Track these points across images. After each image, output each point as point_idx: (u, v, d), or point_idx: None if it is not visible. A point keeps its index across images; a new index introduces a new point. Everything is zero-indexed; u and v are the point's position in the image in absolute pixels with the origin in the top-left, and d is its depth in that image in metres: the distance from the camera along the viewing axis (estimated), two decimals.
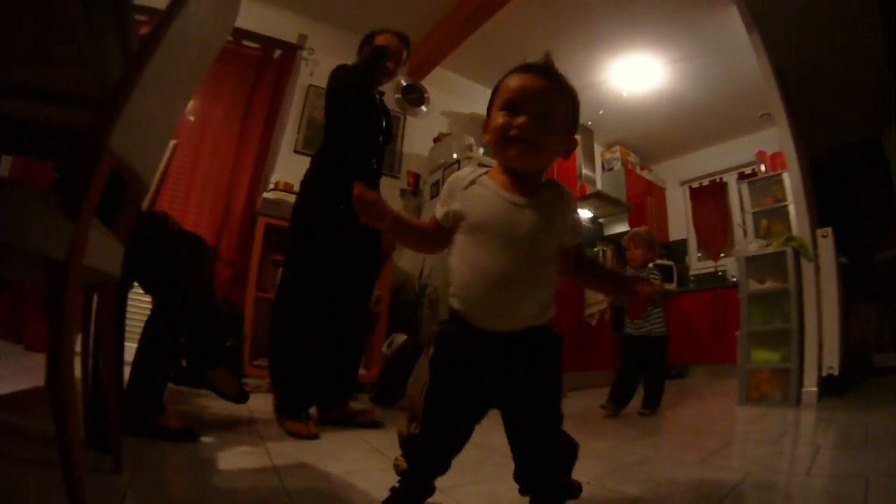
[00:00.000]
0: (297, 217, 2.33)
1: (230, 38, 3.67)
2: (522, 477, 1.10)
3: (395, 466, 1.12)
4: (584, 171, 5.79)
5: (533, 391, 1.03)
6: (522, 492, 1.11)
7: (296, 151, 3.98)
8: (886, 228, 5.48)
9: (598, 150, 6.36)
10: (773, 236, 4.26)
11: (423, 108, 4.56)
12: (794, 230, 3.94)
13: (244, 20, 3.51)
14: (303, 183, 2.37)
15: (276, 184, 3.54)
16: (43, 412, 1.75)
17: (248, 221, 3.48)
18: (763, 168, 5.00)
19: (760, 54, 3.79)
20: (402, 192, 4.42)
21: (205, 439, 1.69)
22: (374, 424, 2.23)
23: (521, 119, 0.99)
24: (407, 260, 4.23)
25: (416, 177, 4.53)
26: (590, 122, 5.81)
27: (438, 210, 1.08)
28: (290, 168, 3.80)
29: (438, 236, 1.09)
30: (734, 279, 5.24)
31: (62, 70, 1.07)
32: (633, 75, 4.96)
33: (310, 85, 4.13)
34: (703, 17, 4.10)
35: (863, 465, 1.66)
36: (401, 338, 3.30)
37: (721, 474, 1.61)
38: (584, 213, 5.76)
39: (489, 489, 1.37)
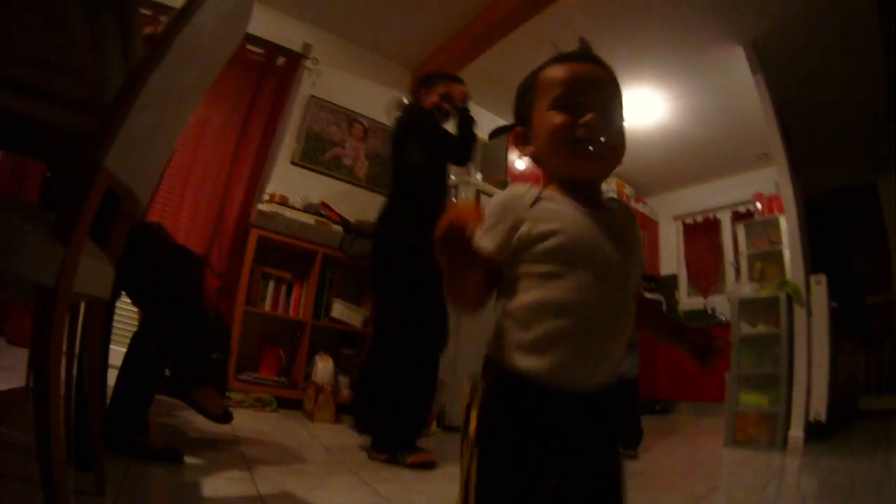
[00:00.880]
0: (398, 255, 2.46)
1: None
2: None
3: None
4: None
5: (607, 466, 0.80)
6: None
7: (293, 163, 3.96)
8: (877, 273, 5.55)
9: None
10: (766, 279, 4.33)
11: None
12: (788, 274, 3.99)
13: (249, 24, 3.50)
14: (392, 221, 2.57)
15: (272, 196, 3.53)
16: (22, 417, 1.76)
17: (241, 232, 3.46)
18: (759, 206, 5.07)
19: (764, 96, 3.89)
20: None
21: (189, 460, 1.68)
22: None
23: (589, 116, 0.79)
24: None
25: None
26: None
27: (487, 241, 0.79)
28: (286, 180, 3.81)
29: (490, 281, 0.83)
30: (723, 317, 5.29)
31: (62, 74, 1.07)
32: (635, 109, 5.03)
33: (311, 95, 4.10)
34: (709, 55, 4.19)
35: None
36: None
37: None
38: None
39: None
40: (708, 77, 4.49)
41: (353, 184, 4.15)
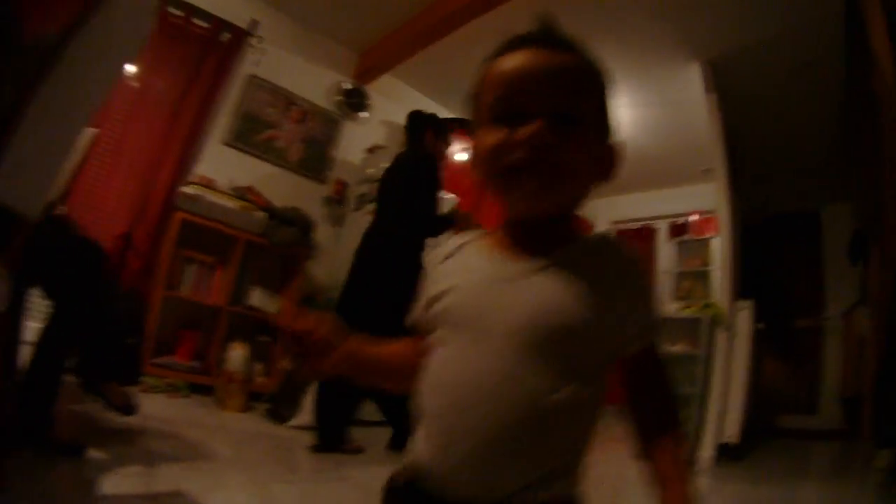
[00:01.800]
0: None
1: (180, 13, 3.74)
2: None
3: None
4: None
5: None
6: None
7: (225, 143, 4.00)
8: (810, 298, 6.01)
9: None
10: (692, 299, 4.48)
11: (364, 113, 4.57)
12: (717, 295, 4.13)
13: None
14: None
15: (199, 178, 3.62)
16: None
17: (166, 213, 3.54)
18: (694, 219, 5.25)
19: (714, 116, 4.10)
20: (326, 200, 4.48)
21: (93, 453, 1.75)
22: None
23: (530, 128, 0.62)
24: (323, 269, 4.30)
25: (344, 185, 4.60)
26: None
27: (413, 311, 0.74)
28: (214, 161, 3.86)
29: (422, 356, 0.70)
30: None
31: None
32: None
33: (252, 75, 4.13)
34: (664, 68, 4.39)
35: None
36: None
37: None
38: None
39: None
40: (660, 89, 4.67)
41: (284, 168, 4.24)
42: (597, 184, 0.70)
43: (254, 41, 4.10)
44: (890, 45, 2.79)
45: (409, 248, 2.65)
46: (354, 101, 4.66)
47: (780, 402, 5.79)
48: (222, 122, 3.98)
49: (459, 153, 4.91)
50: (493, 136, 0.64)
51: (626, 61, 4.33)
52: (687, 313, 4.02)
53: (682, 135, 5.26)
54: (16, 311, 1.66)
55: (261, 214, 3.69)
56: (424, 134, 3.15)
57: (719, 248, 4.39)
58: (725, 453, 3.56)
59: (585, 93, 0.67)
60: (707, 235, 5.41)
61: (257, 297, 3.61)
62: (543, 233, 0.68)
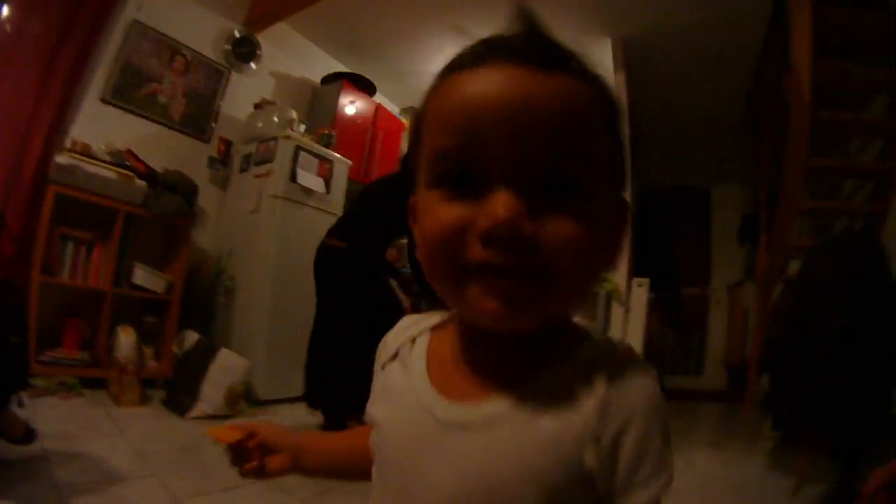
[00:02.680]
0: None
1: None
2: None
3: None
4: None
5: None
6: None
7: (103, 101, 3.69)
8: (697, 268, 6.69)
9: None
10: None
11: (253, 65, 4.36)
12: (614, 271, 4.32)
13: None
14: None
15: (73, 145, 3.37)
16: None
17: (39, 187, 3.18)
18: None
19: (621, 95, 4.17)
20: (210, 161, 4.31)
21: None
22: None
23: (496, 209, 0.42)
24: (208, 237, 4.20)
25: (228, 144, 4.43)
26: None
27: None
28: (93, 122, 3.58)
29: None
30: None
31: None
32: None
33: (134, 20, 3.80)
34: (573, 39, 4.25)
35: None
36: (192, 336, 3.43)
37: None
38: None
39: None
40: None
41: (167, 126, 4.05)
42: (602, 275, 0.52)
43: None
44: (810, 53, 2.98)
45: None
46: (244, 51, 4.48)
47: (669, 364, 6.34)
48: (100, 75, 3.67)
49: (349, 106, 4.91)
50: (438, 213, 0.46)
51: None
52: None
53: None
54: None
55: (140, 183, 3.47)
56: None
57: None
58: None
59: (592, 141, 0.46)
60: None
61: (141, 276, 3.41)
62: (516, 346, 0.50)
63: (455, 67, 0.47)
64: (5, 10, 3.18)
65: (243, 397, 3.28)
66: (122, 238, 3.41)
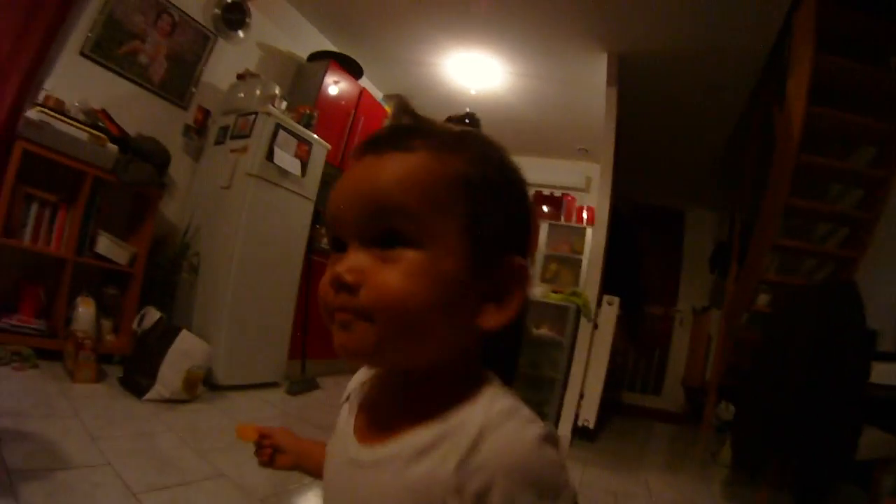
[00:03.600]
0: None
1: None
2: None
3: None
4: None
5: None
6: None
7: (82, 54, 3.55)
8: (664, 288, 6.67)
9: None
10: (559, 282, 4.75)
11: (241, 33, 4.29)
12: (582, 281, 4.41)
13: None
14: None
15: (46, 99, 3.22)
16: None
17: (8, 141, 3.02)
18: (569, 200, 5.58)
19: (611, 111, 4.36)
20: (186, 129, 4.22)
21: None
22: None
23: (338, 265, 0.56)
24: (176, 208, 4.15)
25: (206, 114, 4.34)
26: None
27: None
28: (69, 76, 3.43)
29: None
30: None
31: None
32: (472, 71, 5.32)
33: None
34: (569, 50, 4.57)
35: None
36: (154, 314, 3.36)
37: None
38: None
39: None
40: (558, 67, 4.86)
41: (145, 87, 3.93)
42: (483, 325, 0.56)
43: None
44: (805, 98, 3.08)
45: None
46: (233, 18, 4.36)
47: (629, 381, 6.52)
48: (81, 27, 3.51)
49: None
50: (327, 270, 0.58)
51: (526, 33, 4.46)
52: (554, 299, 4.24)
53: (566, 112, 5.59)
54: None
55: (112, 147, 3.36)
56: None
57: (589, 239, 4.69)
58: (580, 435, 4.12)
59: (419, 196, 0.53)
60: (580, 225, 5.77)
61: (105, 245, 3.34)
62: (412, 399, 0.60)
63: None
64: None
65: (202, 382, 3.22)
66: (87, 204, 3.31)
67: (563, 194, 6.41)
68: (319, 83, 4.82)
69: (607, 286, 4.49)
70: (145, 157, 3.49)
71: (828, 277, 3.81)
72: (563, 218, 6.09)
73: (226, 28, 4.33)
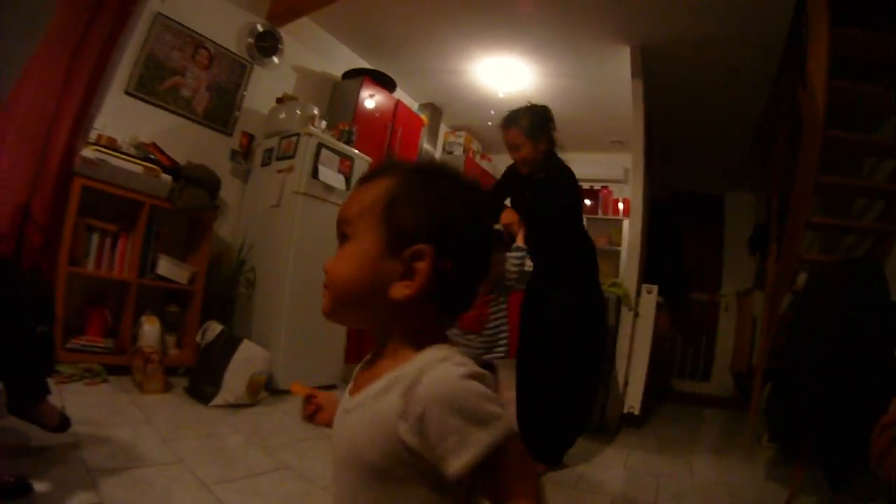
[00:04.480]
0: None
1: None
2: None
3: None
4: (426, 146, 6.38)
5: None
6: None
7: (127, 93, 3.86)
8: (707, 274, 6.62)
9: (443, 130, 7.07)
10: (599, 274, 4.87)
11: (275, 59, 4.57)
12: (622, 272, 4.52)
13: None
14: None
15: (99, 137, 3.52)
16: None
17: (66, 179, 3.39)
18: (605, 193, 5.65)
19: (638, 104, 4.49)
20: (233, 154, 4.53)
21: (37, 486, 1.82)
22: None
23: None
24: (229, 228, 4.45)
25: (251, 138, 4.64)
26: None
27: None
28: (117, 114, 3.73)
29: None
30: None
31: None
32: (500, 75, 5.49)
33: (158, 13, 3.97)
34: (592, 46, 4.69)
35: None
36: (215, 327, 3.60)
37: None
38: None
39: None
40: (584, 64, 5.00)
41: (190, 118, 4.23)
42: (393, 296, 0.74)
43: None
44: (826, 73, 3.15)
45: None
46: (266, 45, 4.66)
47: (677, 368, 6.55)
48: (125, 68, 3.81)
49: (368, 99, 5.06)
50: None
51: (552, 31, 4.57)
52: None
53: (597, 106, 5.68)
54: None
55: (165, 177, 3.66)
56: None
57: (627, 229, 4.80)
58: (628, 422, 4.25)
59: (358, 208, 0.79)
60: (618, 217, 5.89)
61: (165, 267, 3.62)
62: (382, 352, 0.81)
63: None
64: None
65: (264, 387, 3.46)
66: (146, 230, 3.58)
67: (601, 187, 6.55)
68: (355, 99, 5.04)
69: (648, 275, 4.60)
70: (197, 183, 3.77)
71: (848, 256, 3.88)
72: (599, 211, 6.29)
73: (260, 55, 4.60)
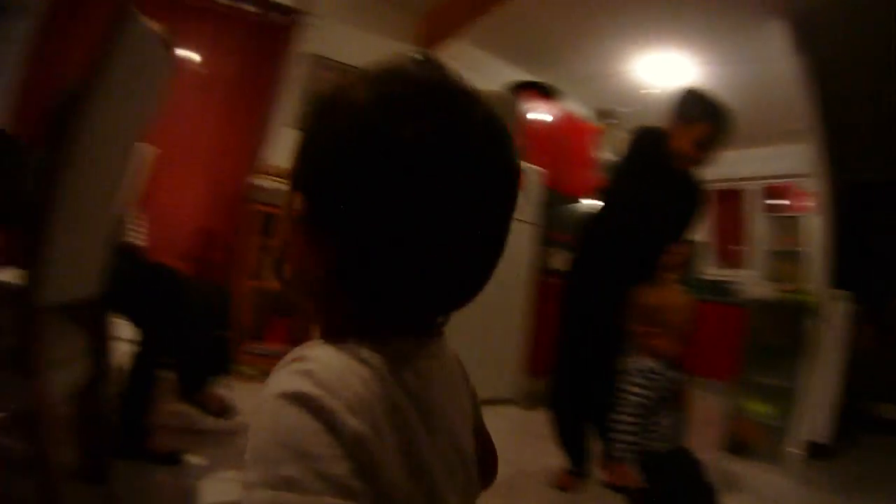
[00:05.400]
0: None
1: (228, 2, 4.03)
2: None
3: None
4: (606, 154, 5.97)
5: None
6: None
7: (295, 128, 4.08)
8: None
9: (617, 135, 6.71)
10: (784, 280, 4.49)
11: None
12: (811, 281, 4.16)
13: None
14: None
15: (271, 168, 3.91)
16: None
17: (241, 205, 3.90)
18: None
19: (803, 81, 4.10)
20: None
21: (191, 459, 2.15)
22: None
23: None
24: None
25: None
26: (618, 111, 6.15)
27: None
28: (283, 146, 4.03)
29: None
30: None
31: None
32: (661, 70, 5.31)
33: (313, 53, 4.32)
34: (747, 26, 4.42)
35: None
36: None
37: None
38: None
39: None
40: (743, 46, 4.73)
41: None
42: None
43: (308, 19, 4.27)
44: None
45: None
46: None
47: (878, 390, 5.70)
48: (289, 105, 4.18)
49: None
50: None
51: (706, 17, 4.39)
52: (784, 297, 4.07)
53: (763, 94, 5.26)
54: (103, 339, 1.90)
55: None
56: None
57: (815, 227, 4.39)
58: (816, 452, 3.59)
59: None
60: (802, 213, 5.41)
61: None
62: None
63: None
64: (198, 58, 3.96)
65: None
66: None
67: (783, 183, 6.06)
68: (519, 113, 5.00)
69: (841, 279, 4.16)
70: None
71: None
72: (783, 209, 5.85)
73: None
